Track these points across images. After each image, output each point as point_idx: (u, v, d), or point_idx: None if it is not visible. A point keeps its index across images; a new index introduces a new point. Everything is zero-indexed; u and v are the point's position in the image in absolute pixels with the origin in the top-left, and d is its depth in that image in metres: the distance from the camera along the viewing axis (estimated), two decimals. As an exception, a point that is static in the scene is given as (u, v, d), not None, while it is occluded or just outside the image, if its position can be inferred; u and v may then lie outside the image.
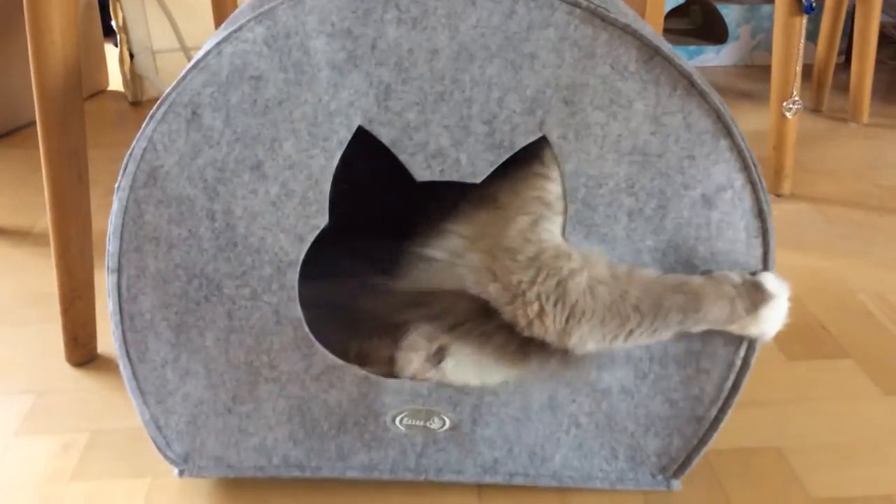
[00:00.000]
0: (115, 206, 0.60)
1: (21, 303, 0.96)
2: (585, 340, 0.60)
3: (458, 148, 0.60)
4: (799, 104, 1.17)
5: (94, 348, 0.84)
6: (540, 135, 0.60)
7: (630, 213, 0.61)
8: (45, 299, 0.94)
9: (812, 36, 1.73)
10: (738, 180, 0.61)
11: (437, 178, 0.61)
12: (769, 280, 0.61)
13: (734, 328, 0.61)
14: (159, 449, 0.66)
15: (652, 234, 0.62)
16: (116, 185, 0.60)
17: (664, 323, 0.60)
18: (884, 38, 1.81)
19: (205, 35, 1.59)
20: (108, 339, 0.85)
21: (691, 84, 0.59)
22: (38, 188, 0.99)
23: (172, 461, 0.67)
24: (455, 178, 0.61)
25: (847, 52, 1.75)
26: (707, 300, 0.60)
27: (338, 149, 0.60)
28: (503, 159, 0.61)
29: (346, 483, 0.68)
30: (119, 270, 0.62)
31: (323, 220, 0.61)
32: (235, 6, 1.31)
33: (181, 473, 0.67)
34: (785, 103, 1.16)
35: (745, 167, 0.60)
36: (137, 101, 1.63)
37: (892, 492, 0.68)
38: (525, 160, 0.62)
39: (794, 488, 0.68)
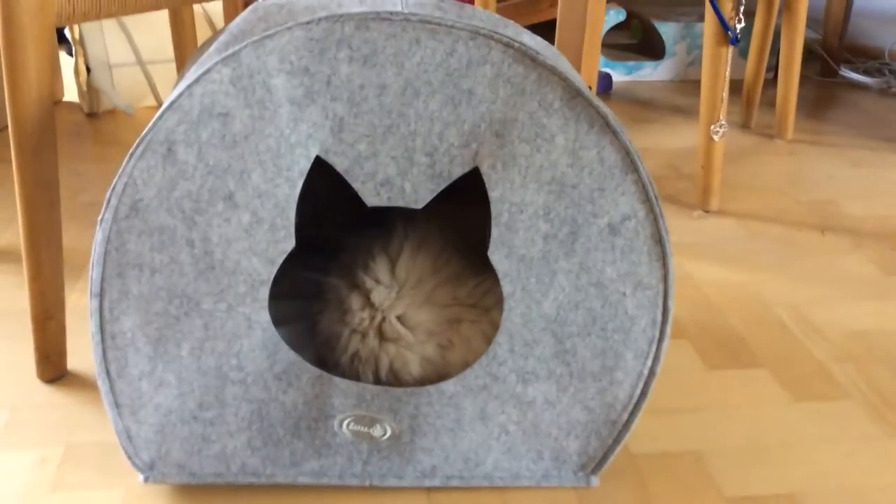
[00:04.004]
0: (99, 236, 0.65)
1: (-13, 321, 0.99)
2: None
3: (404, 177, 0.66)
4: (725, 127, 1.25)
5: (65, 366, 0.88)
6: (474, 166, 0.66)
7: (545, 237, 0.68)
8: (11, 316, 0.98)
9: (744, 52, 1.83)
10: (641, 211, 0.67)
11: (384, 203, 0.67)
12: None
13: None
14: (128, 457, 0.71)
15: (565, 256, 0.68)
16: (99, 218, 0.65)
17: None
18: (810, 55, 1.92)
19: (161, 49, 1.62)
20: (76, 357, 0.90)
21: (606, 123, 0.65)
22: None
23: (139, 468, 0.71)
24: (401, 204, 0.67)
25: (776, 68, 1.85)
26: None
27: (299, 178, 0.65)
28: (442, 188, 0.67)
29: (308, 490, 0.74)
30: (101, 294, 0.66)
31: (290, 244, 0.66)
32: (193, 23, 1.35)
33: (146, 480, 0.72)
34: (712, 126, 1.25)
35: (648, 199, 0.67)
36: (93, 112, 1.65)
37: (794, 490, 0.74)
38: None
39: (710, 488, 0.75)
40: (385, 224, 0.81)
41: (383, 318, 0.75)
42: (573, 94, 0.65)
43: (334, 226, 0.89)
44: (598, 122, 0.66)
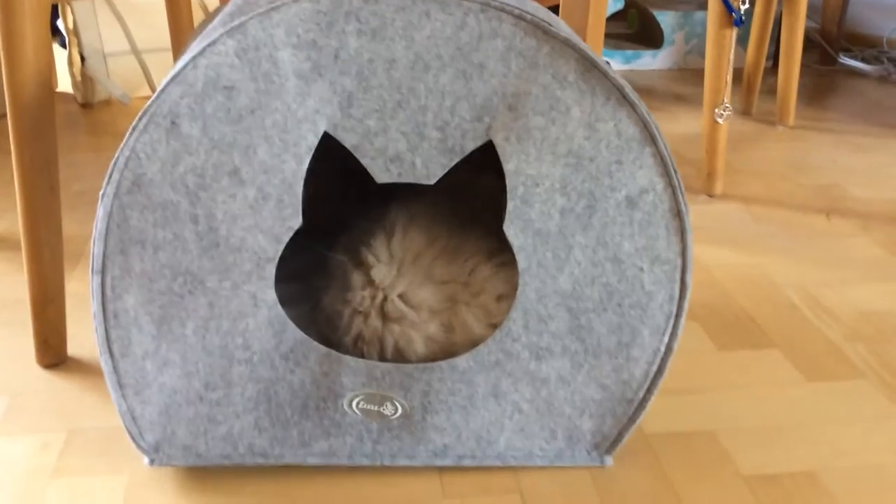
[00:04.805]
0: (101, 212, 0.64)
1: (-15, 307, 0.97)
2: None
3: (414, 152, 0.65)
4: (729, 110, 1.25)
5: (65, 351, 0.86)
6: (487, 139, 0.65)
7: (562, 211, 0.66)
8: (10, 304, 0.96)
9: (743, 41, 1.82)
10: (660, 184, 0.66)
11: (395, 180, 0.65)
12: None
13: None
14: (132, 438, 0.69)
15: (582, 230, 0.67)
16: (101, 193, 0.63)
17: None
18: (809, 43, 1.91)
19: (157, 38, 1.60)
20: (76, 342, 0.88)
21: (623, 95, 0.64)
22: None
23: (144, 450, 0.70)
24: (411, 180, 0.65)
25: (775, 56, 1.84)
26: None
27: (307, 154, 0.64)
28: (454, 163, 0.65)
29: (317, 471, 0.72)
30: (103, 271, 0.65)
31: (297, 222, 0.65)
32: (190, 10, 1.33)
33: (151, 462, 0.70)
34: (717, 110, 1.24)
35: (666, 172, 0.66)
36: (88, 103, 1.63)
37: (813, 468, 0.73)
38: None
39: (727, 467, 0.74)
40: (388, 201, 0.80)
41: (385, 298, 0.74)
42: (588, 66, 0.64)
43: (340, 206, 0.87)
44: (615, 95, 0.64)
